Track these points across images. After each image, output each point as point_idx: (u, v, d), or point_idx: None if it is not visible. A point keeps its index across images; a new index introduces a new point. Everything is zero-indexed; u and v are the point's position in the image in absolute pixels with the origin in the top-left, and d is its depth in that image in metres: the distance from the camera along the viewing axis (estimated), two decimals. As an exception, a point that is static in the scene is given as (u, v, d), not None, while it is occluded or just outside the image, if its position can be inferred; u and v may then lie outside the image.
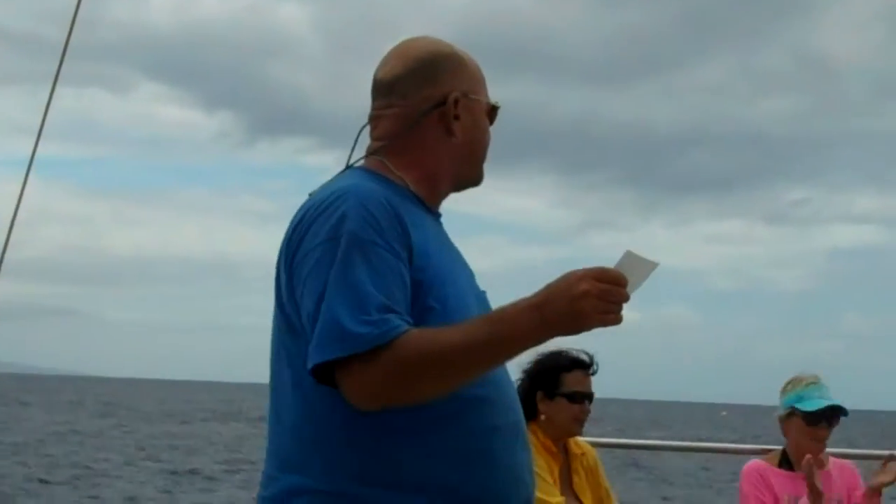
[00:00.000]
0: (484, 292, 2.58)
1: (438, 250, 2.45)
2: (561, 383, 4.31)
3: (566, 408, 4.26)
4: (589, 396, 4.38)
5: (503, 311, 2.29)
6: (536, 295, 2.24)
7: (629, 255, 2.27)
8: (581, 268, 2.25)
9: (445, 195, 2.62)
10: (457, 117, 2.56)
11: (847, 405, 4.76)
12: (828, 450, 4.85)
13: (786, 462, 4.78)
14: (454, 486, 2.33)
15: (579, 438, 4.53)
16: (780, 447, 4.84)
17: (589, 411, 4.39)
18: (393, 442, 2.31)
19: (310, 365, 2.25)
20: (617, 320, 2.25)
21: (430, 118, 2.56)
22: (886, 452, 5.15)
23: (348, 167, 2.57)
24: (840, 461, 4.87)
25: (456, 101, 2.56)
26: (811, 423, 4.70)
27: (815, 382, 4.75)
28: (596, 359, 4.45)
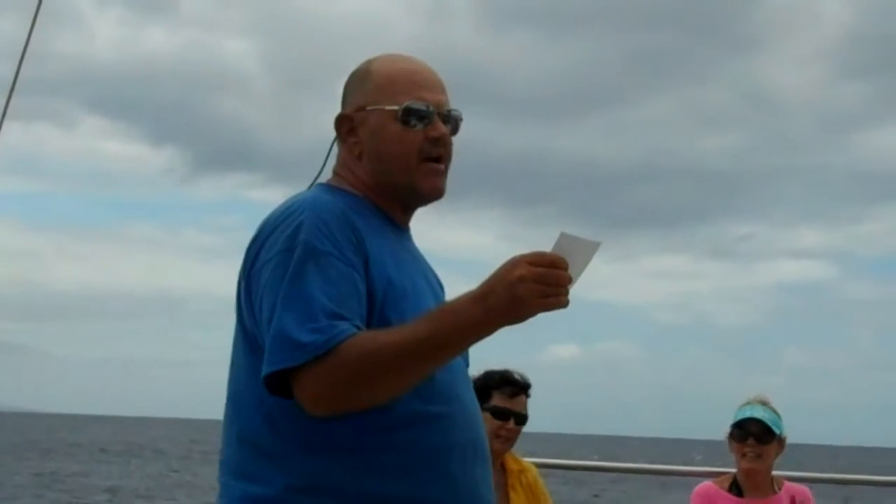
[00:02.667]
0: None
1: (397, 262, 2.46)
2: (488, 399, 4.34)
3: (489, 422, 4.28)
4: (516, 415, 4.43)
5: (446, 305, 2.32)
6: (479, 286, 2.24)
7: (564, 237, 2.24)
8: (518, 254, 2.24)
9: (404, 206, 2.59)
10: (351, 133, 2.57)
11: (789, 439, 4.82)
12: (779, 472, 4.91)
13: (736, 487, 4.81)
14: (413, 500, 2.35)
15: (520, 457, 4.57)
16: (733, 470, 4.87)
17: (516, 430, 4.45)
18: (348, 455, 2.33)
19: (262, 375, 2.29)
20: (559, 303, 2.23)
21: (340, 142, 2.61)
22: (841, 475, 5.23)
23: (313, 183, 2.61)
24: (795, 487, 4.89)
25: (340, 121, 2.59)
26: (739, 440, 4.76)
27: (750, 403, 4.81)
28: (531, 384, 4.50)
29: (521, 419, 4.46)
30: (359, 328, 2.29)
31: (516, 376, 4.48)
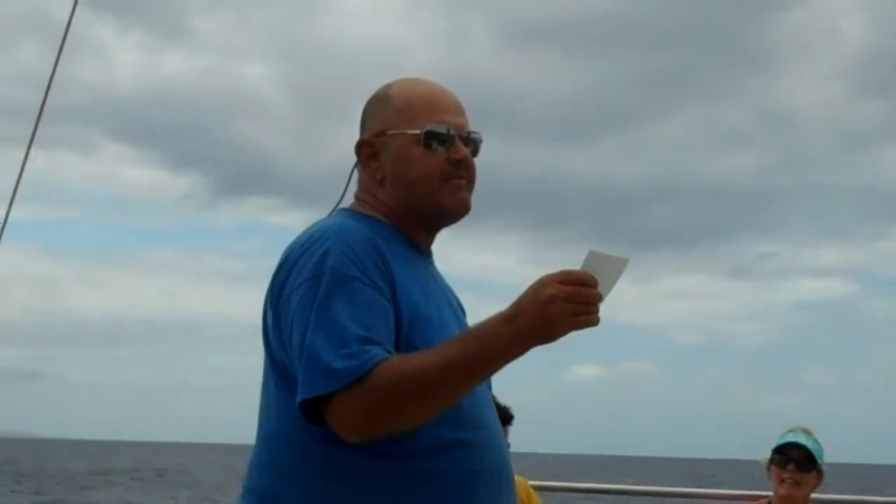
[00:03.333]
0: None
1: (422, 288, 2.46)
2: None
3: None
4: None
5: (477, 328, 2.29)
6: (508, 308, 2.23)
7: (593, 255, 2.24)
8: (547, 273, 2.23)
9: (429, 229, 2.59)
10: (373, 157, 2.57)
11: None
12: (817, 495, 4.89)
13: None
14: None
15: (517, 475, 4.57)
16: (769, 493, 4.87)
17: None
18: (374, 483, 2.33)
19: (297, 402, 2.29)
20: (591, 322, 2.22)
21: (361, 167, 2.60)
22: (883, 499, 5.18)
23: (335, 208, 2.61)
24: None
25: (361, 146, 2.58)
26: (780, 465, 4.74)
27: (793, 430, 4.79)
28: (511, 412, 4.50)
29: None
30: (389, 352, 2.28)
31: (499, 404, 4.37)
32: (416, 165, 2.53)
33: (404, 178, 2.53)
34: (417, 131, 2.52)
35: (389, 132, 2.55)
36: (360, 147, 2.60)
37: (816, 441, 4.78)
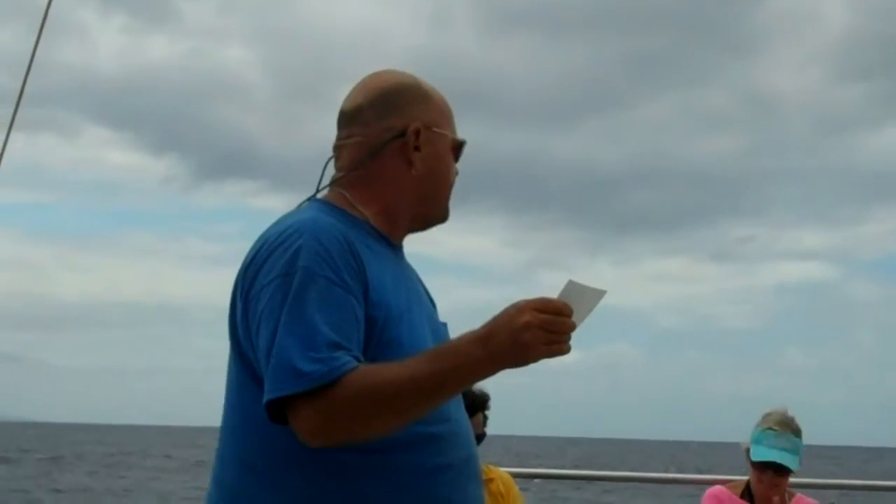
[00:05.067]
0: (444, 324, 2.59)
1: (394, 285, 2.44)
2: None
3: None
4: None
5: (449, 345, 2.31)
6: (482, 328, 2.23)
7: (572, 285, 2.25)
8: (523, 299, 2.23)
9: (407, 230, 2.59)
10: (417, 149, 2.53)
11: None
12: (794, 479, 4.91)
13: (748, 494, 4.82)
14: None
15: (494, 467, 4.58)
16: (746, 478, 4.88)
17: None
18: (344, 477, 2.32)
19: (263, 401, 2.26)
20: (562, 350, 2.23)
21: (391, 149, 2.53)
22: (852, 482, 5.22)
23: (309, 199, 2.57)
24: (806, 500, 4.89)
25: (417, 133, 2.53)
26: (758, 470, 4.76)
27: (773, 428, 4.74)
28: (487, 397, 4.51)
29: (478, 439, 4.43)
30: (358, 359, 2.27)
31: (473, 390, 4.39)
32: (448, 171, 2.59)
33: (436, 179, 2.57)
34: (459, 139, 2.60)
35: (435, 129, 2.56)
36: (414, 133, 2.54)
37: (796, 433, 4.77)
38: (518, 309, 2.22)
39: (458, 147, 2.60)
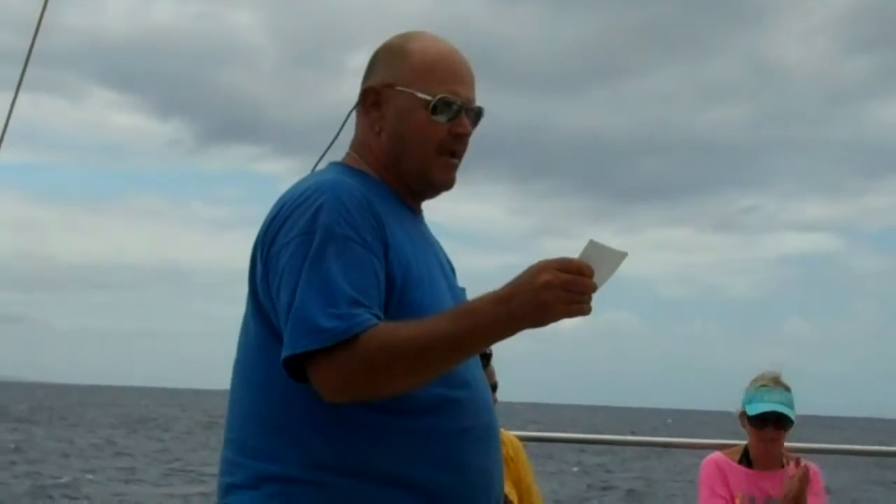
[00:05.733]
0: (463, 289, 2.59)
1: (414, 247, 2.45)
2: None
3: None
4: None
5: (470, 304, 2.30)
6: (503, 288, 2.23)
7: (593, 245, 2.25)
8: (545, 259, 2.23)
9: (411, 192, 2.57)
10: (375, 106, 2.53)
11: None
12: (791, 444, 4.95)
13: (746, 459, 4.85)
14: (426, 484, 2.35)
15: (505, 431, 4.58)
16: (744, 442, 4.91)
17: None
18: (364, 435, 2.33)
19: (282, 357, 2.28)
20: (583, 311, 2.24)
21: (360, 111, 2.57)
22: (847, 447, 5.22)
23: (320, 159, 2.61)
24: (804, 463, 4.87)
25: (367, 93, 2.54)
26: (757, 427, 4.79)
27: (766, 385, 4.80)
28: (489, 352, 4.52)
29: (493, 388, 4.44)
30: (378, 317, 2.27)
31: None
32: (417, 130, 2.50)
33: (403, 138, 2.51)
34: (428, 97, 2.49)
35: (399, 87, 2.51)
36: (366, 93, 2.56)
37: (787, 389, 4.83)
38: (539, 268, 2.22)
39: (438, 105, 2.50)
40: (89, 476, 29.46)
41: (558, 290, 2.20)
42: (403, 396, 2.32)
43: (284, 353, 2.28)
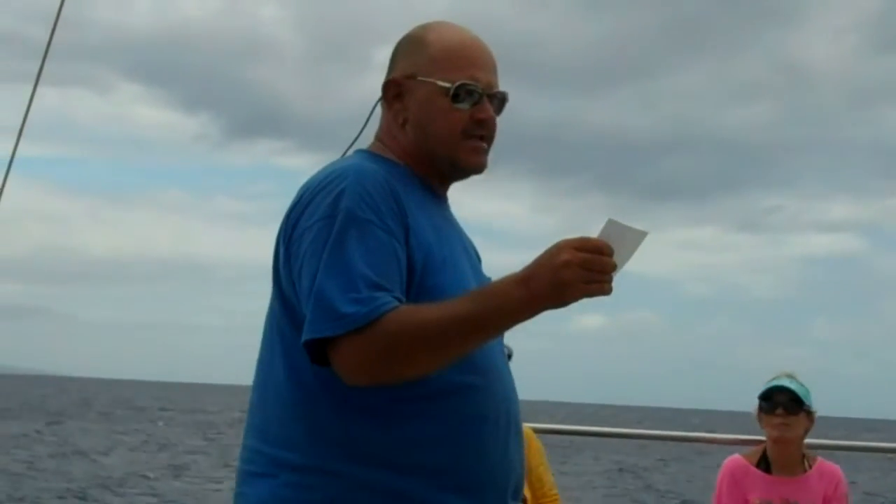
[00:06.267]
0: (489, 279, 2.56)
1: (437, 232, 2.46)
2: None
3: None
4: None
5: (490, 286, 2.31)
6: (523, 269, 2.23)
7: (612, 224, 2.23)
8: (564, 238, 2.23)
9: (438, 178, 2.58)
10: (398, 98, 2.55)
11: (817, 412, 4.84)
12: (812, 440, 4.94)
13: (764, 462, 4.84)
14: (445, 471, 2.36)
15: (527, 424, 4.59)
16: (763, 440, 4.90)
17: None
18: (383, 423, 2.34)
19: (302, 341, 2.29)
20: (603, 290, 2.23)
21: (384, 103, 2.59)
22: (871, 444, 5.18)
23: (350, 146, 2.61)
24: (827, 465, 4.88)
25: (392, 84, 2.56)
26: (768, 412, 4.80)
27: (777, 377, 4.85)
28: (510, 349, 4.54)
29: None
30: (399, 300, 2.28)
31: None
32: (440, 117, 2.51)
33: (426, 127, 2.52)
34: (448, 84, 2.50)
35: (419, 77, 2.53)
36: (388, 86, 2.57)
37: (801, 384, 4.83)
38: (558, 248, 2.22)
39: (458, 91, 2.50)
40: (149, 474, 29.29)
41: (577, 269, 2.19)
42: (422, 382, 2.32)
43: (304, 336, 2.28)
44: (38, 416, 54.36)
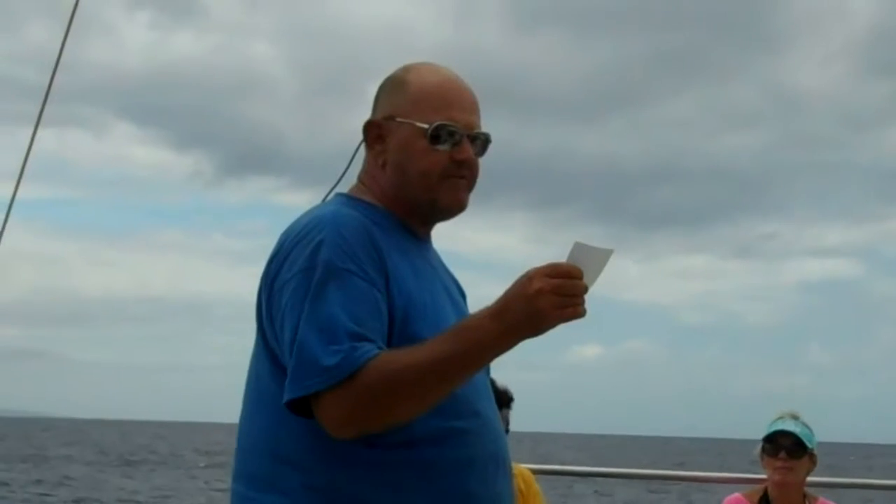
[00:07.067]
0: None
1: (417, 278, 2.46)
2: None
3: None
4: None
5: (465, 323, 2.31)
6: (496, 302, 2.25)
7: (578, 247, 2.25)
8: (532, 267, 2.24)
9: (419, 221, 2.57)
10: (378, 140, 2.56)
11: (817, 437, 4.82)
12: (813, 478, 4.91)
13: (765, 501, 4.81)
14: None
15: (516, 464, 4.59)
16: (764, 485, 4.87)
17: None
18: (370, 470, 2.34)
19: (285, 399, 2.30)
20: (577, 314, 2.24)
21: (366, 146, 2.60)
22: (873, 481, 5.17)
23: (331, 190, 2.62)
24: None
25: (372, 126, 2.57)
26: (771, 454, 4.78)
27: (782, 417, 4.82)
28: (510, 395, 4.55)
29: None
30: (381, 349, 2.29)
31: (498, 387, 4.34)
32: (419, 159, 2.51)
33: (405, 169, 2.52)
34: (426, 125, 2.51)
35: (398, 119, 2.54)
36: (368, 128, 2.59)
37: (806, 426, 4.80)
38: (529, 277, 2.23)
39: (438, 132, 2.50)
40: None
41: (551, 296, 2.20)
42: (407, 429, 2.33)
43: (287, 395, 2.29)
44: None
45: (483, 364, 2.34)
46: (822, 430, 4.86)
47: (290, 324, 2.32)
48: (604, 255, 2.28)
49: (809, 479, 4.88)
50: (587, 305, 2.26)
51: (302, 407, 2.30)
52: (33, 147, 4.05)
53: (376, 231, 2.43)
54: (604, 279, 2.31)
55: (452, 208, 2.56)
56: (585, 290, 2.25)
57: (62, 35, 3.84)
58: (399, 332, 2.37)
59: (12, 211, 4.06)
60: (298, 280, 2.35)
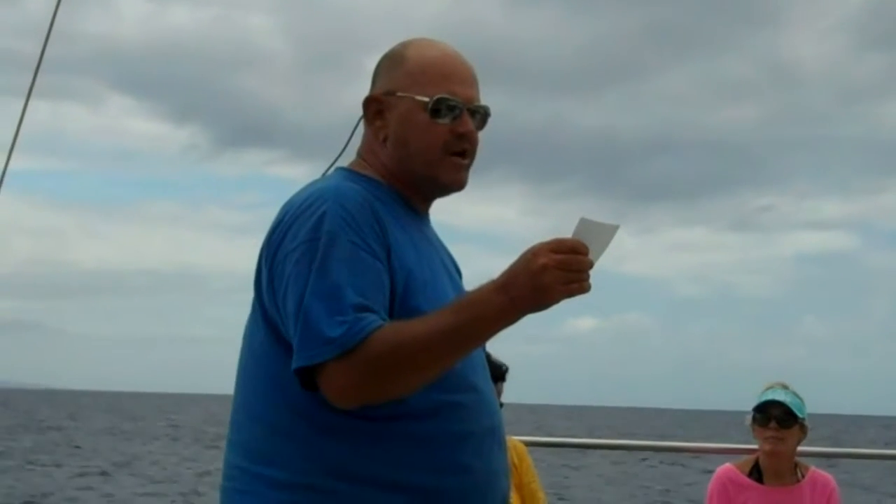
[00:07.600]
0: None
1: (417, 252, 2.47)
2: None
3: None
4: None
5: (469, 296, 2.32)
6: (501, 276, 2.25)
7: (584, 222, 2.26)
8: (538, 242, 2.25)
9: (419, 196, 2.59)
10: (378, 115, 2.56)
11: (810, 408, 4.84)
12: (804, 448, 4.94)
13: (756, 471, 4.84)
14: (431, 489, 2.37)
15: (509, 436, 4.61)
16: (755, 455, 4.89)
17: None
18: (367, 443, 2.35)
19: (292, 368, 2.30)
20: (582, 289, 2.25)
21: (366, 122, 2.60)
22: (864, 450, 5.20)
23: (331, 165, 2.62)
24: (819, 475, 4.88)
25: (369, 102, 2.58)
26: (761, 424, 4.79)
27: (772, 387, 4.84)
28: (505, 369, 4.55)
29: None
30: (384, 320, 2.30)
31: (492, 361, 4.45)
32: (420, 133, 2.52)
33: (406, 143, 2.53)
34: (426, 99, 2.51)
35: (398, 93, 2.54)
36: (368, 103, 2.59)
37: (796, 395, 4.83)
38: (534, 252, 2.24)
39: (438, 106, 2.51)
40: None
41: (555, 272, 2.21)
42: (406, 402, 2.34)
43: (295, 363, 2.30)
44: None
45: (487, 337, 2.35)
46: (818, 402, 4.87)
47: (293, 295, 2.33)
48: (609, 231, 2.29)
49: (800, 448, 4.89)
50: (591, 281, 2.26)
51: (308, 380, 2.31)
52: (27, 119, 4.02)
53: (378, 205, 2.44)
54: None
55: (452, 186, 2.57)
56: (590, 265, 2.25)
57: (54, 5, 3.82)
58: (399, 306, 2.37)
59: (6, 183, 4.04)
60: (302, 251, 2.35)
